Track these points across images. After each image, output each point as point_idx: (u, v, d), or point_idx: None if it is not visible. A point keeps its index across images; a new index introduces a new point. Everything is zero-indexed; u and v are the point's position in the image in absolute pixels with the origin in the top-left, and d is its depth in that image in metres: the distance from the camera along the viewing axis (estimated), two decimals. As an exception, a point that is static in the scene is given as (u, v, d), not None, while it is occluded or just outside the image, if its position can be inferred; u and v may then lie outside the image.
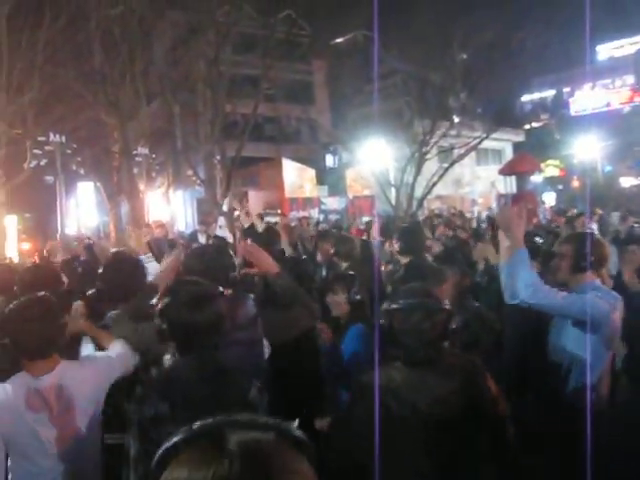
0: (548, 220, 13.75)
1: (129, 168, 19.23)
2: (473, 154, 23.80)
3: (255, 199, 21.82)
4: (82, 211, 22.52)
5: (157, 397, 2.03)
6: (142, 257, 4.83)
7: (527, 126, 39.31)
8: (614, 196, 25.10)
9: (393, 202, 19.85)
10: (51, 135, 17.35)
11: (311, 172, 24.68)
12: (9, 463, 2.42)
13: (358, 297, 3.63)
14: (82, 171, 21.15)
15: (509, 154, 33.20)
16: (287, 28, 21.56)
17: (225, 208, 16.54)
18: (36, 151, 17.78)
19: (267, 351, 3.33)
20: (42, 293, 2.62)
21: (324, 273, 6.09)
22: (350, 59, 23.06)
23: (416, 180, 19.56)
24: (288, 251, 6.02)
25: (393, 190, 20.09)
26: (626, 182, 36.24)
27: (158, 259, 5.25)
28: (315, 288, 4.55)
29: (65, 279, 4.17)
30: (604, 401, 2.99)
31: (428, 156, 19.99)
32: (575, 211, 12.97)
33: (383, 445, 2.02)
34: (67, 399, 2.43)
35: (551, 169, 37.88)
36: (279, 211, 19.42)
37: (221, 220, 9.20)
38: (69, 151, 18.92)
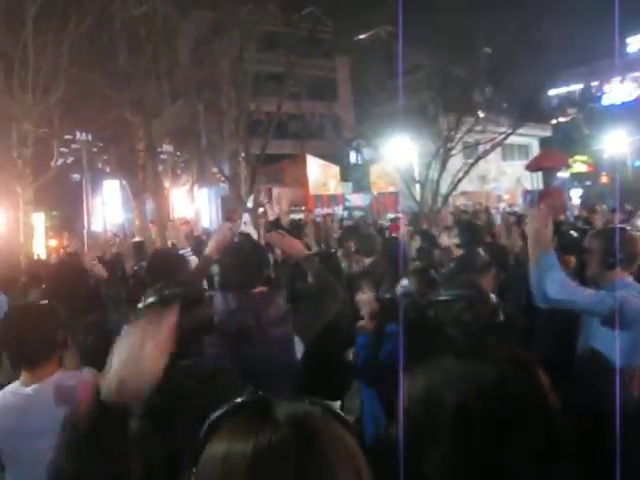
0: (576, 217, 13.50)
1: (154, 166, 19.38)
2: (499, 150, 23.52)
3: (279, 196, 21.82)
4: (108, 209, 22.79)
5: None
6: (182, 251, 4.82)
7: (554, 121, 38.66)
8: (644, 191, 24.57)
9: (418, 199, 19.71)
10: (77, 134, 17.56)
11: (335, 169, 24.61)
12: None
13: (388, 295, 3.58)
14: (108, 169, 21.39)
15: (535, 149, 32.76)
16: (310, 25, 21.52)
17: (250, 205, 16.59)
18: (63, 150, 18.01)
19: (300, 349, 3.27)
20: (45, 301, 2.58)
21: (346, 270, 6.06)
22: (373, 55, 22.94)
23: (441, 176, 19.40)
24: (313, 248, 5.98)
25: (418, 186, 19.94)
26: (657, 177, 35.46)
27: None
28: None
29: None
30: (636, 403, 2.89)
31: (453, 152, 19.81)
32: (604, 207, 12.71)
33: (430, 438, 1.99)
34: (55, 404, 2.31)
35: (579, 165, 37.22)
36: (303, 208, 19.40)
37: (246, 217, 9.21)
38: (95, 149, 19.15)
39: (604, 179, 35.31)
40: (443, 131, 19.90)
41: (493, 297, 2.39)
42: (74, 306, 3.08)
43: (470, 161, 20.23)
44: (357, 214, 20.15)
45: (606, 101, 45.40)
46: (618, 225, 4.15)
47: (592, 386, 2.92)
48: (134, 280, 5.10)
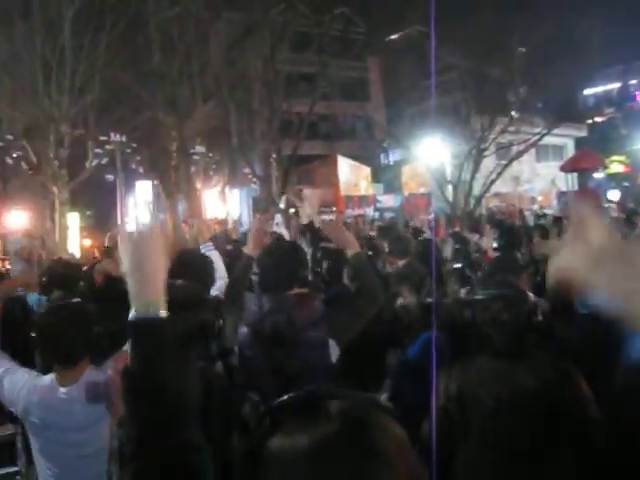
0: (614, 218, 13.17)
1: (187, 166, 19.56)
2: (532, 150, 23.16)
3: (310, 197, 21.80)
4: (141, 209, 23.03)
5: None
6: (201, 246, 4.79)
7: (590, 121, 37.95)
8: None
9: (450, 200, 19.51)
10: (112, 135, 17.83)
11: (366, 170, 24.48)
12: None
13: (429, 300, 3.50)
14: (141, 169, 21.65)
15: (571, 150, 32.16)
16: (342, 25, 21.49)
17: (282, 205, 16.62)
18: (97, 150, 18.29)
19: (335, 353, 3.21)
20: (76, 299, 2.59)
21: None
22: (405, 55, 22.80)
23: (474, 177, 19.18)
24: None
25: (450, 188, 19.74)
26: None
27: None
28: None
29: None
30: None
31: (486, 153, 19.56)
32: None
33: (462, 434, 1.93)
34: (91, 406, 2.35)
35: (616, 165, 36.37)
36: (334, 209, 19.34)
37: (278, 217, 9.17)
38: (129, 150, 19.39)
39: (642, 179, 34.47)
40: (476, 132, 19.67)
41: (532, 297, 2.32)
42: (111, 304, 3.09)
43: (503, 162, 19.95)
44: (388, 215, 19.99)
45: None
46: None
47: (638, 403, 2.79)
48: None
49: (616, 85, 48.00)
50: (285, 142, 18.63)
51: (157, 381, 1.17)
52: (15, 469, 3.94)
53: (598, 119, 40.36)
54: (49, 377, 2.41)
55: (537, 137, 19.96)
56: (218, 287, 3.82)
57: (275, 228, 9.08)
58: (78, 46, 16.33)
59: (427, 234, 8.04)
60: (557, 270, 1.02)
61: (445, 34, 18.77)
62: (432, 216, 15.99)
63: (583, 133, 34.01)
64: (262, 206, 18.36)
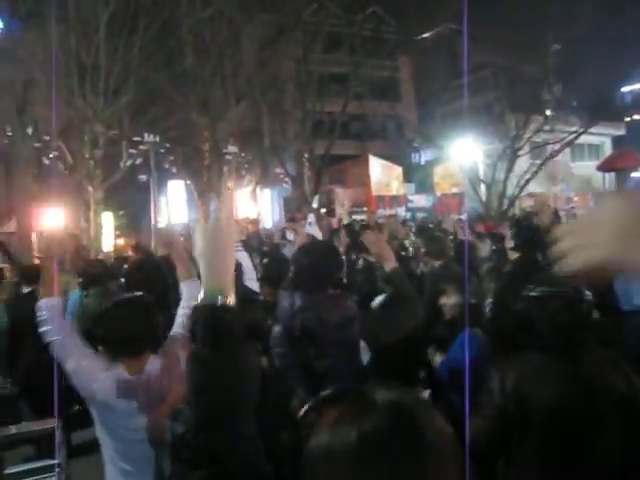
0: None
1: (219, 166, 19.70)
2: (567, 150, 22.73)
3: (342, 197, 21.79)
4: (172, 208, 23.28)
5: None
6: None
7: (628, 119, 37.14)
8: None
9: (483, 200, 19.27)
10: (145, 135, 18.05)
11: (398, 169, 24.34)
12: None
13: (473, 300, 3.47)
14: (174, 170, 21.87)
15: (608, 149, 31.51)
16: (374, 25, 21.42)
17: (315, 205, 16.65)
18: (131, 151, 18.54)
19: (365, 355, 3.19)
20: (140, 293, 2.68)
21: (419, 271, 5.94)
22: (437, 54, 22.61)
23: (508, 177, 18.91)
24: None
25: (483, 188, 19.48)
26: None
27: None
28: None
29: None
30: None
31: (520, 152, 19.27)
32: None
33: (519, 431, 1.89)
34: (157, 391, 2.46)
35: (655, 164, 35.55)
36: (365, 209, 19.28)
37: (311, 217, 9.18)
38: (162, 150, 19.61)
39: (683, 179, 33.60)
40: (510, 130, 19.38)
41: (589, 295, 2.25)
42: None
43: (538, 161, 19.63)
44: (420, 215, 19.86)
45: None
46: None
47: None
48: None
49: (655, 82, 46.90)
50: (317, 142, 18.63)
51: (220, 365, 1.17)
52: (54, 462, 3.99)
53: (637, 117, 39.42)
54: (118, 366, 2.49)
55: (574, 136, 19.57)
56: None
57: (308, 228, 9.09)
58: (113, 48, 16.59)
59: (458, 234, 7.96)
60: (581, 257, 0.84)
61: (477, 32, 18.54)
62: (465, 216, 15.84)
63: (621, 131, 33.26)
64: (293, 206, 18.39)
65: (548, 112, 20.25)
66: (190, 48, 19.36)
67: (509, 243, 5.65)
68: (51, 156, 18.12)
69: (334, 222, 13.00)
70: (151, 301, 2.64)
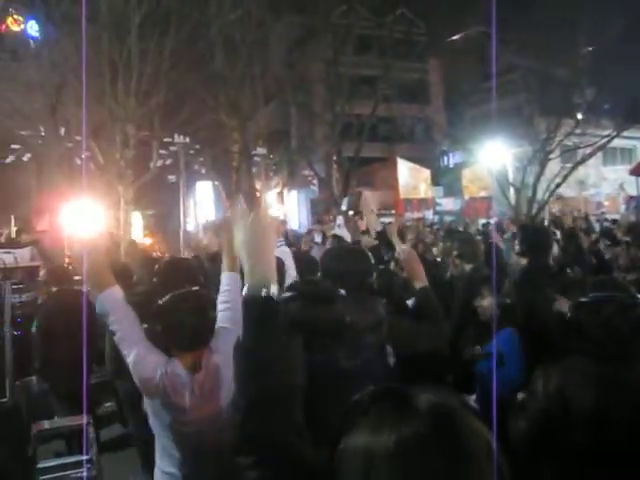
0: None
1: (248, 167, 19.81)
2: (599, 154, 22.38)
3: (370, 199, 21.73)
4: (200, 209, 23.47)
5: None
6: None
7: (662, 122, 36.48)
8: None
9: (512, 204, 19.07)
10: (176, 136, 18.20)
11: (426, 172, 24.21)
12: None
13: (508, 300, 3.46)
14: (203, 170, 22.04)
15: (641, 153, 30.95)
16: (403, 27, 21.36)
17: (344, 207, 16.64)
18: (162, 151, 18.71)
19: (391, 359, 3.19)
20: (196, 288, 2.71)
21: (448, 274, 5.89)
22: (466, 56, 22.45)
23: (538, 181, 18.69)
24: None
25: (512, 191, 19.27)
26: None
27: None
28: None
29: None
30: None
31: (551, 156, 19.02)
32: None
33: (564, 436, 1.86)
34: (211, 387, 2.49)
35: (689, 170, 34.80)
36: (393, 212, 19.21)
37: (339, 219, 9.19)
38: (192, 151, 19.77)
39: None
40: (540, 134, 19.14)
41: None
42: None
43: (568, 165, 19.35)
44: (448, 219, 19.73)
45: None
46: None
47: None
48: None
49: (690, 85, 45.90)
50: (345, 144, 18.64)
51: (267, 357, 1.18)
52: (85, 457, 4.05)
53: (671, 120, 38.64)
54: (175, 361, 2.51)
55: (606, 139, 19.27)
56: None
57: (336, 230, 9.09)
58: (144, 50, 16.79)
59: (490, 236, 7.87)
60: None
61: (507, 34, 18.41)
62: (494, 220, 15.68)
63: (654, 135, 32.66)
64: (321, 208, 18.40)
65: (579, 115, 19.97)
66: (220, 50, 19.52)
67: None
68: (83, 156, 18.39)
69: (362, 224, 12.95)
70: (207, 296, 2.67)
